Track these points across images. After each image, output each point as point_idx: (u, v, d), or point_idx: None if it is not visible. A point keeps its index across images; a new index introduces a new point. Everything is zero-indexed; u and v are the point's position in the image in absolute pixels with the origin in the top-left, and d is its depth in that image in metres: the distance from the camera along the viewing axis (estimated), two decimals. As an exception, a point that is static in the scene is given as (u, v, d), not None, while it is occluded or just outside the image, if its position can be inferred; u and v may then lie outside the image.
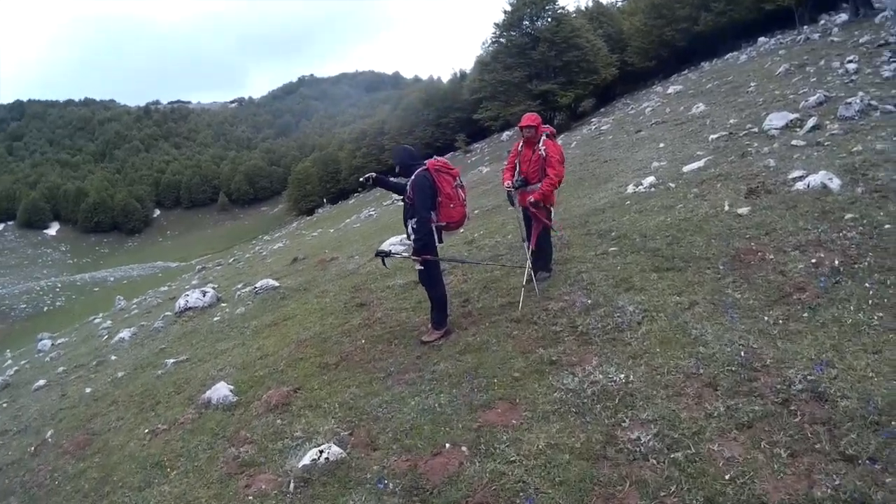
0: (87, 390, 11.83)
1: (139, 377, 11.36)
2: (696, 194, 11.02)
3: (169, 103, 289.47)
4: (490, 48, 62.68)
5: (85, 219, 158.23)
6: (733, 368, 5.30)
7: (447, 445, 5.41)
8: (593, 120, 45.51)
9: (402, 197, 8.13)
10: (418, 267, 8.01)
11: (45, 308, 70.69)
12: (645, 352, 6.03)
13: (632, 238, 9.69)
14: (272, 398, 7.60)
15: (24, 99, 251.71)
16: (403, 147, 8.49)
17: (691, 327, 6.22)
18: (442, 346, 7.80)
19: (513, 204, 8.96)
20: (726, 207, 9.58)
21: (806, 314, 5.94)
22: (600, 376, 5.73)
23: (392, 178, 8.66)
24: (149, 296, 33.46)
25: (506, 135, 63.87)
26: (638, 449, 4.63)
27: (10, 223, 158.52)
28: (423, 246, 7.72)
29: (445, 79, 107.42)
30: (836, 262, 6.67)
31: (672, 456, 4.46)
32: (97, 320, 28.53)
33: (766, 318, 6.08)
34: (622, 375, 5.65)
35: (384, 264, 8.96)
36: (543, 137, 8.63)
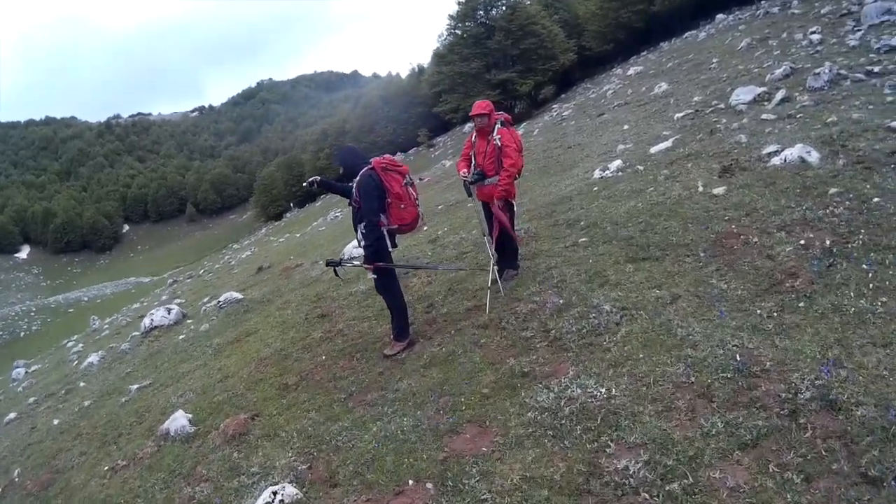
0: (55, 422, 11.66)
1: (104, 405, 11.12)
2: (666, 176, 10.45)
3: (130, 116, 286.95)
4: (446, 40, 61.84)
5: (55, 239, 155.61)
6: (729, 375, 4.68)
7: (410, 482, 4.84)
8: (554, 106, 45.05)
9: (349, 201, 7.49)
10: (371, 276, 7.43)
11: (22, 333, 70.24)
12: (627, 358, 5.40)
13: (602, 227, 9.07)
14: (229, 428, 7.13)
15: None
16: (346, 147, 7.94)
17: (676, 326, 5.60)
18: (405, 360, 7.25)
19: (470, 195, 8.36)
20: (700, 188, 9.01)
21: (802, 304, 5.35)
22: (578, 391, 5.10)
23: (339, 181, 8.03)
24: (121, 314, 33.47)
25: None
26: (627, 481, 4.02)
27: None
28: (375, 252, 7.10)
29: (404, 74, 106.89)
30: (828, 243, 6.13)
31: (667, 488, 3.85)
32: (70, 343, 28.47)
33: (758, 310, 5.48)
34: (603, 389, 5.01)
35: (337, 274, 8.20)
36: (498, 126, 7.99)
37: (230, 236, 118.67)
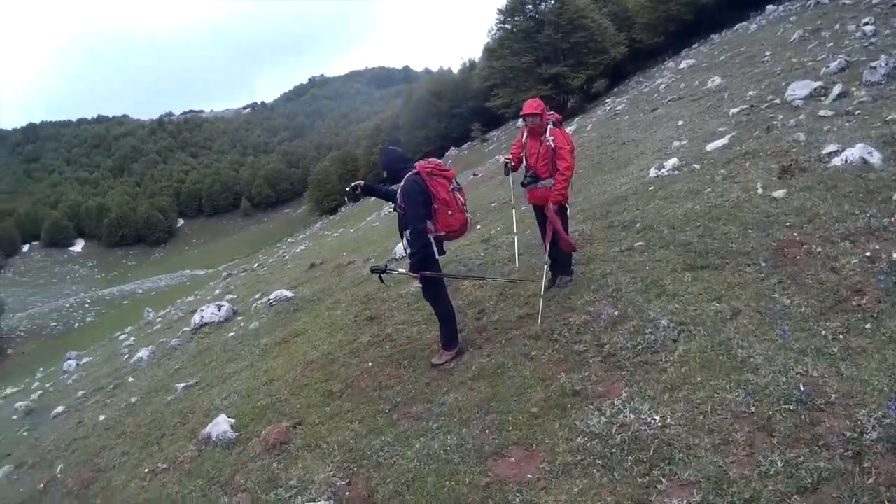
0: (101, 418, 11.92)
1: (150, 403, 11.27)
2: (724, 176, 10.00)
3: (182, 114, 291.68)
4: (496, 35, 61.50)
5: (109, 233, 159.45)
6: (791, 407, 4.31)
7: (451, 510, 4.61)
8: (607, 100, 44.46)
9: (394, 206, 7.27)
10: (417, 284, 7.21)
11: (76, 325, 71.98)
12: (684, 381, 5.06)
13: (659, 230, 8.68)
14: (270, 436, 7.04)
15: (37, 121, 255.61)
16: (389, 149, 7.62)
17: (736, 346, 5.23)
18: (453, 370, 7.01)
19: (507, 175, 8.30)
20: (759, 190, 8.60)
21: (868, 325, 4.95)
22: (631, 416, 4.81)
23: (385, 185, 7.83)
24: (175, 307, 33.86)
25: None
26: (678, 524, 3.72)
27: (35, 243, 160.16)
28: (421, 260, 6.86)
29: (455, 69, 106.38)
30: (895, 256, 5.71)
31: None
32: (122, 336, 29.10)
33: (822, 331, 5.08)
34: (657, 416, 4.70)
35: (382, 281, 7.91)
36: (550, 126, 7.71)
37: (285, 230, 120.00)
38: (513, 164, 8.12)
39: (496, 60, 59.04)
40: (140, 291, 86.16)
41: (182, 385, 11.24)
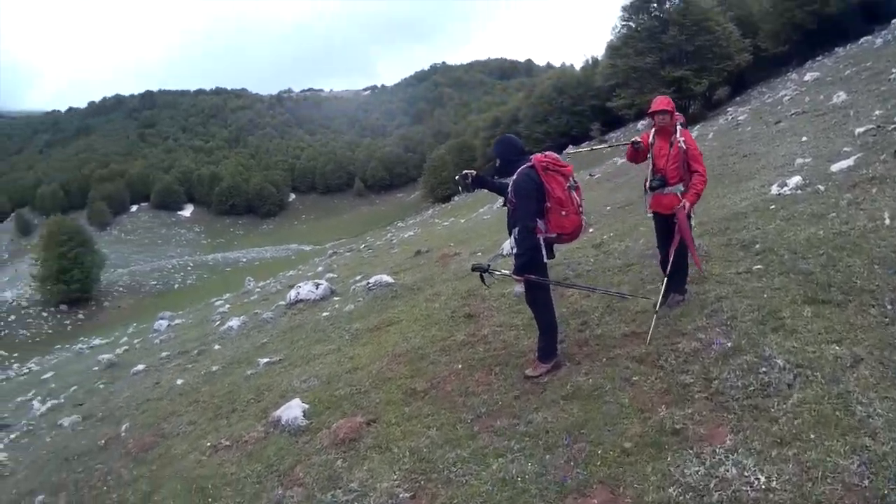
0: (179, 382, 12.19)
1: (230, 374, 11.37)
2: (849, 201, 9.18)
3: (301, 91, 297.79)
4: (619, 33, 60.19)
5: (219, 201, 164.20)
6: None
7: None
8: (729, 109, 42.85)
9: (504, 201, 6.83)
10: (518, 289, 6.78)
11: (176, 285, 74.33)
12: (795, 437, 4.42)
13: (779, 254, 7.97)
14: (341, 430, 6.82)
15: (155, 89, 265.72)
16: (506, 137, 7.10)
17: (855, 401, 4.60)
18: (547, 385, 6.51)
19: (637, 149, 7.51)
20: (887, 220, 7.80)
21: None
22: (734, 471, 4.22)
23: (497, 177, 7.40)
24: (276, 279, 34.50)
25: (641, 124, 61.30)
26: None
27: (143, 204, 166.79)
28: (527, 263, 6.39)
29: (578, 66, 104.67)
30: None
31: None
32: (217, 302, 29.87)
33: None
34: (762, 476, 4.09)
35: (483, 281, 7.33)
36: (679, 127, 7.17)
37: (396, 214, 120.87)
38: (641, 144, 7.46)
39: (619, 59, 57.68)
40: (244, 260, 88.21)
41: (265, 360, 11.24)
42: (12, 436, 13.35)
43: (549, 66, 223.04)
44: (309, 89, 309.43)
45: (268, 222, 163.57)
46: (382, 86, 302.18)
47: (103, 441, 9.82)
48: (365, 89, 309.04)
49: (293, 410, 7.70)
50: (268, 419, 7.89)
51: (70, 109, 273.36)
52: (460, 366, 7.75)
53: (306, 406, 7.82)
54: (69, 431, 11.79)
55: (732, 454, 4.47)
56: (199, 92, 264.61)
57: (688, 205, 6.98)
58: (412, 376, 7.90)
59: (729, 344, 6.06)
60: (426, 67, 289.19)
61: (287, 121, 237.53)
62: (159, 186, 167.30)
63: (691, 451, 4.66)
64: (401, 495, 5.21)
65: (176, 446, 8.36)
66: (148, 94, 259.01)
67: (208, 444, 7.92)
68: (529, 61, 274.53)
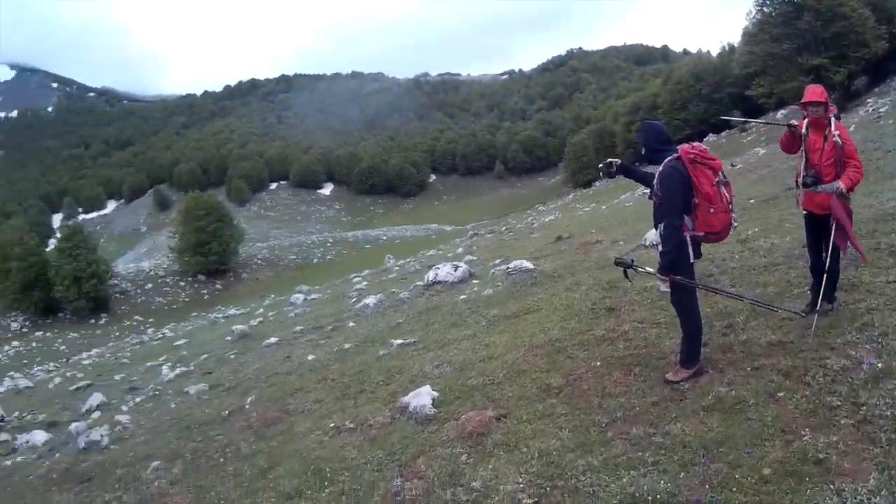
0: (310, 357, 12.32)
1: (363, 353, 11.42)
2: None
3: (438, 75, 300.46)
4: (755, 18, 57.65)
5: (359, 181, 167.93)
6: None
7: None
8: (868, 101, 40.61)
9: (649, 192, 6.48)
10: (663, 288, 6.42)
11: (315, 260, 76.58)
12: None
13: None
14: (470, 422, 6.66)
15: (290, 73, 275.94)
16: (653, 124, 6.73)
17: None
18: (687, 392, 6.09)
19: (793, 133, 6.95)
20: None
21: None
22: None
23: (643, 167, 7.08)
24: (415, 258, 34.72)
25: (780, 113, 58.47)
26: None
27: (283, 182, 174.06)
28: (672, 262, 6.07)
29: (714, 52, 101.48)
30: None
31: None
32: (355, 279, 30.01)
33: None
34: None
35: (626, 276, 7.10)
36: (833, 119, 6.59)
37: (536, 197, 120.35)
38: (798, 128, 6.90)
39: (756, 45, 55.73)
40: (384, 238, 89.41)
41: (398, 342, 11.22)
42: (138, 399, 13.91)
43: (685, 52, 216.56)
44: (446, 73, 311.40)
45: (408, 202, 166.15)
46: (520, 70, 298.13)
47: (227, 412, 10.05)
48: (502, 74, 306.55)
49: (422, 398, 7.61)
50: (395, 404, 7.85)
51: (205, 93, 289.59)
52: (598, 363, 7.41)
53: (436, 394, 7.72)
54: (194, 399, 12.14)
55: (874, 497, 4.01)
56: (336, 76, 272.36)
57: (843, 187, 6.39)
58: (548, 370, 7.63)
59: (879, 365, 5.46)
60: (563, 53, 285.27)
61: (425, 104, 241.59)
62: (298, 166, 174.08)
63: (832, 487, 4.21)
64: (523, 501, 5.00)
65: (299, 424, 8.42)
66: (283, 78, 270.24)
67: (332, 424, 7.93)
68: (665, 47, 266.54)
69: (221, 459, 8.10)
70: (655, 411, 5.92)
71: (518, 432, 6.22)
